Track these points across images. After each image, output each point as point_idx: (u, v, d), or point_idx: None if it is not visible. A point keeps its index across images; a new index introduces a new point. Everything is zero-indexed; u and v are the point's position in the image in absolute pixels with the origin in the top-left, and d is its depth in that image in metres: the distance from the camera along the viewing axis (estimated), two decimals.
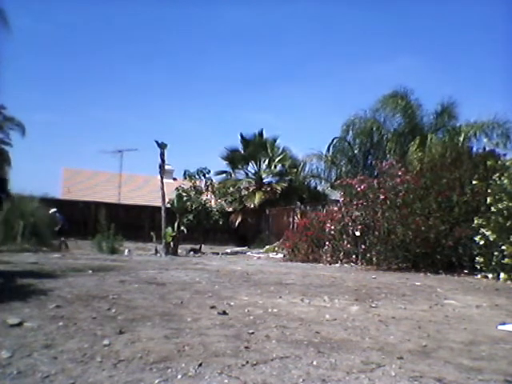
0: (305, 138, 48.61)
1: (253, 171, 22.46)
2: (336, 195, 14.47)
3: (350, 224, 10.17)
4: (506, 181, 7.29)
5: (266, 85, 51.81)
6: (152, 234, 12.64)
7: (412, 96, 16.60)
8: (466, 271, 7.99)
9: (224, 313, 3.37)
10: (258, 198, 20.30)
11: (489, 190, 7.73)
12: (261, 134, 22.12)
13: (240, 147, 22.25)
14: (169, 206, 12.87)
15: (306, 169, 18.98)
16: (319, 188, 20.03)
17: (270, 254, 13.63)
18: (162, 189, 12.28)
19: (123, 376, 1.93)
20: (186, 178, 14.91)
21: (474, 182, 8.29)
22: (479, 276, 7.46)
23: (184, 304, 3.75)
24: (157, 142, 12.35)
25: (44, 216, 12.18)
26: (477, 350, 2.64)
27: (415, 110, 16.69)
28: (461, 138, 14.76)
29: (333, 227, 10.71)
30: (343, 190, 10.79)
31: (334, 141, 17.83)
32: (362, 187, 9.77)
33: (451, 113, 16.44)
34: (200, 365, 2.11)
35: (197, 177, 14.85)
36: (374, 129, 17.07)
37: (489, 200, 7.53)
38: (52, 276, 5.23)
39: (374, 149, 17.31)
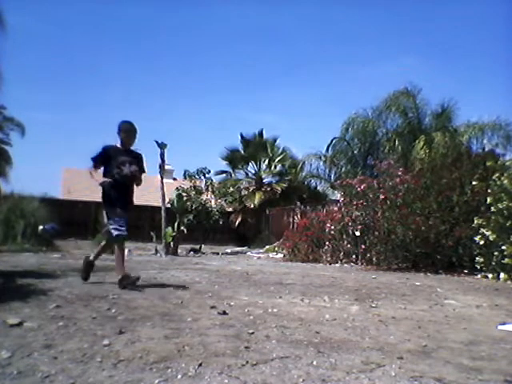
0: (305, 137, 48.61)
1: (253, 171, 22.49)
2: (336, 195, 14.48)
3: (350, 224, 10.17)
4: (505, 181, 7.29)
5: (266, 85, 51.80)
6: (152, 233, 12.63)
7: (419, 95, 16.59)
8: (466, 271, 7.99)
9: (224, 313, 3.37)
10: (257, 198, 20.30)
11: (489, 190, 7.73)
12: (261, 134, 22.14)
13: (240, 147, 22.27)
14: (169, 206, 12.87)
15: (306, 169, 18.99)
16: (319, 188, 20.03)
17: (270, 254, 13.63)
18: (162, 189, 12.26)
19: (123, 376, 1.93)
20: (185, 178, 14.90)
21: (473, 182, 8.29)
22: (479, 276, 7.47)
23: (184, 304, 3.75)
24: (157, 142, 12.33)
25: (44, 217, 12.18)
26: (477, 350, 2.64)
27: (421, 108, 16.66)
28: (462, 139, 14.76)
29: (333, 227, 10.71)
30: (343, 190, 10.79)
31: (334, 141, 17.84)
32: (362, 187, 9.77)
33: (452, 113, 16.43)
34: (200, 365, 2.11)
35: (197, 177, 14.84)
36: (374, 128, 17.05)
37: (489, 200, 7.53)
38: (52, 276, 5.23)
39: (373, 149, 17.30)
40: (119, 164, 4.62)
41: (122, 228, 4.53)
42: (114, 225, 4.52)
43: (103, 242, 4.97)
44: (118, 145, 4.75)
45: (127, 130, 4.75)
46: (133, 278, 4.47)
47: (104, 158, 4.66)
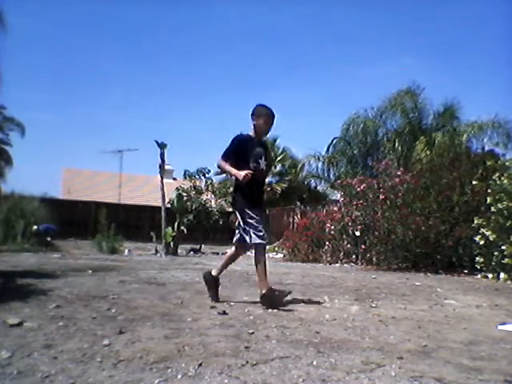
0: (305, 138, 48.62)
1: None
2: (336, 195, 14.48)
3: (350, 224, 10.17)
4: (505, 181, 7.29)
5: (266, 85, 51.80)
6: (152, 233, 12.63)
7: (421, 94, 16.55)
8: (466, 271, 7.99)
9: (224, 313, 3.37)
10: None
11: (489, 190, 7.73)
12: None
13: None
14: (169, 206, 12.87)
15: (306, 169, 18.99)
16: (319, 188, 20.06)
17: (270, 254, 13.63)
18: (162, 189, 12.27)
19: (123, 376, 1.93)
20: (186, 178, 14.90)
21: (473, 182, 8.29)
22: (479, 276, 7.47)
23: (184, 304, 3.75)
24: (157, 142, 12.34)
25: (44, 217, 12.20)
26: (477, 350, 2.64)
27: (423, 108, 16.63)
28: (462, 139, 14.75)
29: (333, 227, 10.72)
30: (343, 190, 10.79)
31: (334, 141, 17.85)
32: (362, 187, 9.77)
33: (456, 112, 16.38)
34: (200, 365, 2.11)
35: (197, 177, 14.84)
36: (375, 128, 17.05)
37: (489, 200, 7.53)
38: (52, 276, 5.23)
39: (373, 149, 17.31)
40: (256, 157, 3.89)
41: (262, 232, 3.79)
42: (253, 229, 3.76)
43: (231, 251, 4.15)
44: (252, 133, 3.99)
45: (267, 115, 3.95)
46: (283, 293, 3.86)
47: (236, 151, 3.88)
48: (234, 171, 3.80)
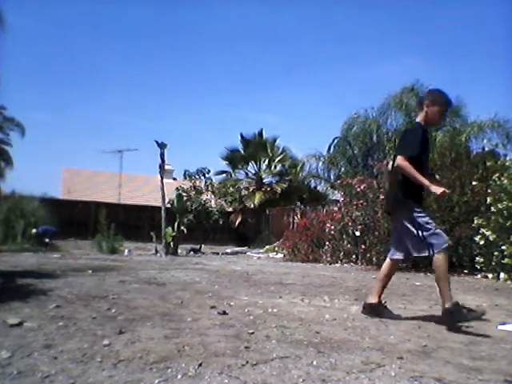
0: (305, 137, 48.58)
1: (253, 171, 22.48)
2: (336, 195, 14.47)
3: (349, 224, 10.17)
4: (505, 181, 7.29)
5: (266, 85, 51.76)
6: (152, 233, 12.63)
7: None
8: (466, 271, 7.99)
9: (224, 313, 3.37)
10: (257, 198, 20.30)
11: (489, 190, 7.73)
12: (261, 134, 22.13)
13: (240, 147, 22.26)
14: (169, 206, 12.87)
15: (306, 169, 18.99)
16: (319, 188, 20.05)
17: (270, 254, 13.63)
18: (162, 189, 12.27)
19: (123, 376, 1.93)
20: (186, 178, 14.91)
21: (473, 183, 8.29)
22: (479, 276, 7.47)
23: (184, 304, 3.75)
24: (157, 142, 12.35)
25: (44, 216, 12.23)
26: (477, 350, 2.64)
27: None
28: (462, 138, 14.74)
29: (333, 227, 10.71)
30: (343, 190, 10.79)
31: (335, 141, 17.85)
32: (362, 187, 9.77)
33: (458, 111, 16.33)
34: (200, 365, 2.11)
35: (197, 177, 14.85)
36: (375, 128, 17.04)
37: (489, 200, 7.53)
38: (52, 276, 5.23)
39: (374, 149, 17.31)
40: (427, 154, 3.35)
41: (442, 234, 3.21)
42: (431, 233, 3.17)
43: (385, 268, 3.53)
44: (421, 121, 3.32)
45: (445, 105, 3.34)
46: (474, 314, 3.22)
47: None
48: (427, 183, 3.09)
